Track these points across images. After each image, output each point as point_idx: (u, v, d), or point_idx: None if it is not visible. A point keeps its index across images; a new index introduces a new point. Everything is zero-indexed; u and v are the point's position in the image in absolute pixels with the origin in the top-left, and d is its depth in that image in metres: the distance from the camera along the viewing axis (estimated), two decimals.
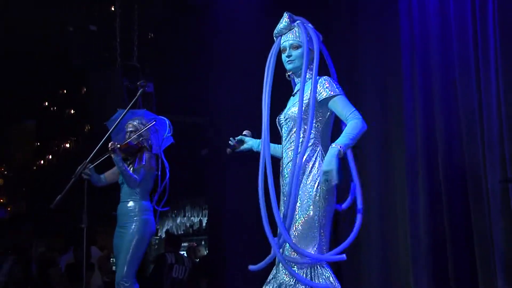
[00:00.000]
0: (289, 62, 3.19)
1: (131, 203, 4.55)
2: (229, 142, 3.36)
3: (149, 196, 4.62)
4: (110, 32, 6.80)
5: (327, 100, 3.10)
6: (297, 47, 3.17)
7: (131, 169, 4.51)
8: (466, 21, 4.57)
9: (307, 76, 3.17)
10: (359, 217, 3.06)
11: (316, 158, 3.09)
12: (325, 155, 3.07)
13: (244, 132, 3.40)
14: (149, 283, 7.10)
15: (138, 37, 6.81)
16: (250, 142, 3.36)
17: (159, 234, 12.14)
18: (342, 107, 3.08)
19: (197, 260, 8.91)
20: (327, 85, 3.12)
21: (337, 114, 3.11)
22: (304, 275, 2.97)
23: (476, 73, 4.51)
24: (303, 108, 3.10)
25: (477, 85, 4.49)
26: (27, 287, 6.91)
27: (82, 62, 7.22)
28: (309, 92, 3.13)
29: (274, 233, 3.02)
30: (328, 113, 3.17)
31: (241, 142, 3.36)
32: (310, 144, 3.10)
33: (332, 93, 3.09)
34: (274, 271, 3.11)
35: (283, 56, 3.21)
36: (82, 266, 4.91)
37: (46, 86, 10.48)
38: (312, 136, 3.11)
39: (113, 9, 6.90)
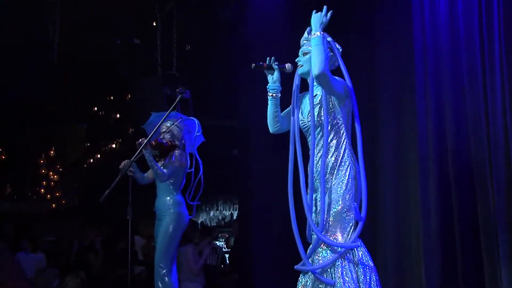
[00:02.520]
0: (299, 66, 3.18)
1: (165, 198, 4.58)
2: (267, 62, 3.10)
3: (181, 191, 4.65)
4: (152, 45, 6.89)
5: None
6: (306, 54, 3.15)
7: (161, 164, 4.54)
8: (474, 34, 4.54)
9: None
10: (360, 224, 2.99)
11: (344, 158, 3.08)
12: (353, 158, 3.06)
13: (286, 65, 3.16)
14: None
15: (177, 49, 6.88)
16: (275, 79, 3.12)
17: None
18: None
19: (229, 249, 8.96)
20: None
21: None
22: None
23: (483, 81, 4.48)
24: (316, 110, 3.10)
25: (484, 92, 4.46)
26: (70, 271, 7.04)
27: (127, 72, 7.33)
28: (320, 94, 3.11)
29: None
30: (347, 107, 3.14)
31: (271, 68, 3.13)
32: (333, 144, 3.07)
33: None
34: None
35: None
36: (128, 253, 4.97)
37: (95, 93, 10.64)
38: (333, 133, 3.08)
39: (154, 24, 6.99)
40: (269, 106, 3.19)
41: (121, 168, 4.37)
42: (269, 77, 3.16)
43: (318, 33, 2.98)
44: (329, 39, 3.16)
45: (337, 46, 3.21)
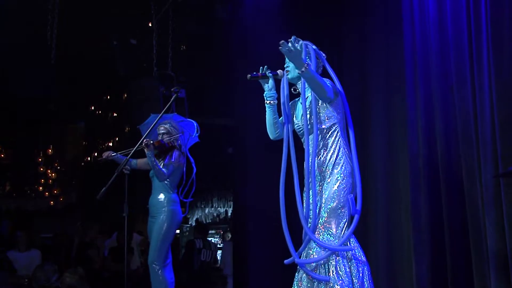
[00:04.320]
0: (287, 72, 3.24)
1: (160, 195, 4.58)
2: (260, 71, 3.11)
3: (176, 189, 4.66)
4: (148, 45, 6.88)
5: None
6: None
7: (161, 164, 4.56)
8: (462, 34, 4.55)
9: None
10: (356, 217, 3.04)
11: (339, 156, 3.09)
12: (347, 156, 3.08)
13: (279, 72, 3.20)
14: (181, 265, 7.17)
15: (172, 49, 6.87)
16: (271, 86, 3.14)
17: (189, 223, 12.23)
18: None
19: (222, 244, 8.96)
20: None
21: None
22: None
23: (471, 80, 4.48)
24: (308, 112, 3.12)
25: (472, 91, 4.47)
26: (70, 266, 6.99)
27: (123, 72, 7.31)
28: (310, 97, 3.14)
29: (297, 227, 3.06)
30: (340, 107, 3.17)
31: (265, 77, 3.15)
32: (328, 142, 3.09)
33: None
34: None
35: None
36: (124, 249, 4.97)
37: (92, 92, 10.61)
38: (329, 132, 3.10)
39: (150, 25, 6.98)
40: (267, 114, 3.22)
41: (103, 157, 4.55)
42: (265, 86, 3.19)
43: (306, 65, 2.90)
44: (314, 47, 3.20)
45: (322, 53, 3.29)
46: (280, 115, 3.25)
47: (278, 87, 3.24)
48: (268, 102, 3.19)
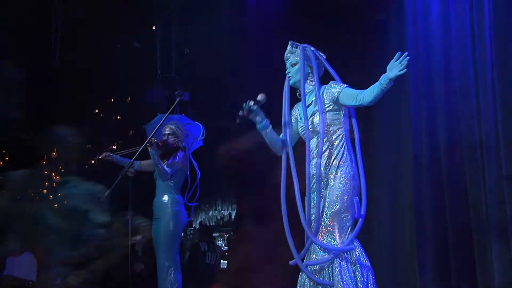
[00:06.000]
0: (289, 77, 3.25)
1: (164, 197, 4.56)
2: (240, 111, 3.09)
3: (180, 191, 4.63)
4: (152, 49, 6.89)
5: (338, 96, 3.11)
6: (295, 64, 3.22)
7: (165, 164, 4.54)
8: (465, 37, 4.55)
9: (310, 86, 3.20)
10: (360, 221, 3.03)
11: (343, 159, 3.09)
12: (351, 159, 3.09)
13: (258, 97, 3.14)
14: (186, 268, 7.15)
15: (175, 53, 6.88)
16: (259, 119, 3.13)
17: (193, 225, 12.22)
18: (351, 91, 3.09)
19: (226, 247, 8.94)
20: (334, 84, 3.15)
21: (348, 102, 3.07)
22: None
23: (475, 82, 4.48)
24: (309, 117, 3.13)
25: (476, 93, 4.47)
26: None
27: (128, 75, 7.33)
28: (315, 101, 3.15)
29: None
30: (346, 110, 3.18)
31: (250, 112, 3.11)
32: (333, 145, 3.10)
33: (339, 88, 3.12)
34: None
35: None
36: (128, 252, 4.96)
37: (97, 95, 10.62)
38: (334, 136, 3.11)
39: (154, 28, 7.00)
40: (269, 138, 3.18)
41: (101, 157, 4.59)
42: (256, 119, 3.14)
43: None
44: (312, 48, 3.20)
45: (321, 54, 3.28)
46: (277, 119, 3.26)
47: (274, 99, 3.22)
48: (267, 130, 3.17)
